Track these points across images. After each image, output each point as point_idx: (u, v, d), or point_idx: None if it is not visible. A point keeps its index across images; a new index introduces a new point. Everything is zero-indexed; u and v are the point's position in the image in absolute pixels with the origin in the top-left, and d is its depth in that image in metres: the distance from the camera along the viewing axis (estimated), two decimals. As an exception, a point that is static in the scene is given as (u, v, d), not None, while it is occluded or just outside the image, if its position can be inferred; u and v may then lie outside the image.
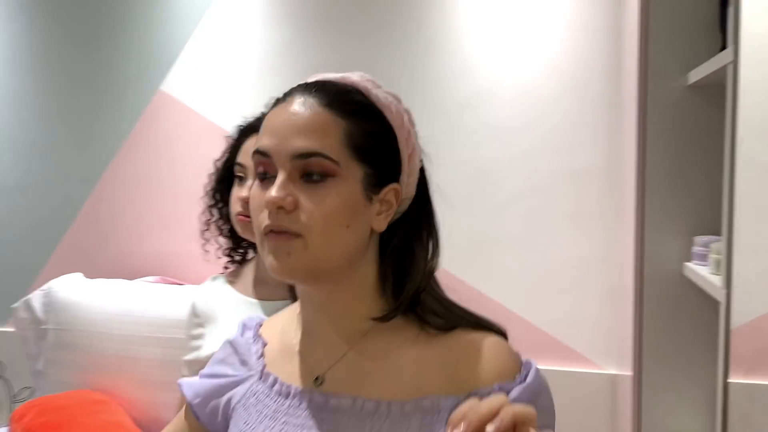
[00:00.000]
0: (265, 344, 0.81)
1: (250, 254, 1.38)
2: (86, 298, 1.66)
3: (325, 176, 0.68)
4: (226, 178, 1.32)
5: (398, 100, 0.77)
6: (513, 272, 1.75)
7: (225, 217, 1.34)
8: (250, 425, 0.75)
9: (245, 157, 1.22)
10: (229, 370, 0.82)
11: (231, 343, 0.85)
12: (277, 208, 0.67)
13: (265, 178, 0.70)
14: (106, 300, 1.64)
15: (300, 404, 0.73)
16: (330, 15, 1.82)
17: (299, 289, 0.77)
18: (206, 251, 1.40)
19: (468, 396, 0.66)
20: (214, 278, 1.38)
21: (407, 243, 0.75)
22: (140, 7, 1.94)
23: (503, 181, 1.75)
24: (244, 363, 0.81)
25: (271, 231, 0.68)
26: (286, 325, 0.82)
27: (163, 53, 1.93)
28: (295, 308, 0.82)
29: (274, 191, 0.66)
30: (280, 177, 0.68)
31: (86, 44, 1.99)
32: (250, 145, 1.22)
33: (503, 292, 1.74)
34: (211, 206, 1.37)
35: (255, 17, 1.87)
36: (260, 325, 0.85)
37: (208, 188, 1.37)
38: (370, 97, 0.73)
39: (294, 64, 1.83)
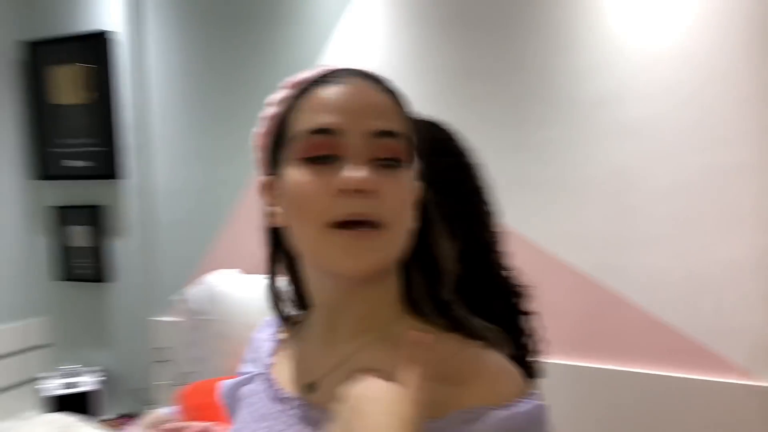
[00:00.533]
0: (279, 343, 0.77)
1: None
2: (243, 292, 1.80)
3: (398, 162, 0.62)
4: None
5: None
6: (654, 275, 1.68)
7: None
8: (242, 424, 0.73)
9: None
10: (249, 367, 0.80)
11: (252, 341, 0.83)
12: (356, 191, 0.59)
13: (325, 161, 0.61)
14: (261, 294, 1.76)
15: (288, 410, 0.68)
16: (460, 15, 1.85)
17: (321, 287, 0.68)
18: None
19: (448, 417, 0.57)
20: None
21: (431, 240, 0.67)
22: (281, 21, 2.08)
23: (640, 181, 1.69)
24: (258, 360, 0.78)
25: (348, 222, 0.59)
26: (302, 325, 0.76)
27: (302, 62, 2.06)
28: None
29: (356, 171, 0.58)
30: (356, 156, 0.60)
31: (234, 60, 2.16)
32: None
33: (643, 296, 1.68)
34: None
35: (386, 21, 1.94)
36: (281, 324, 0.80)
37: None
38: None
39: (424, 66, 1.88)
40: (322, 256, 0.62)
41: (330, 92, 0.63)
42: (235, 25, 2.16)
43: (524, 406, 0.58)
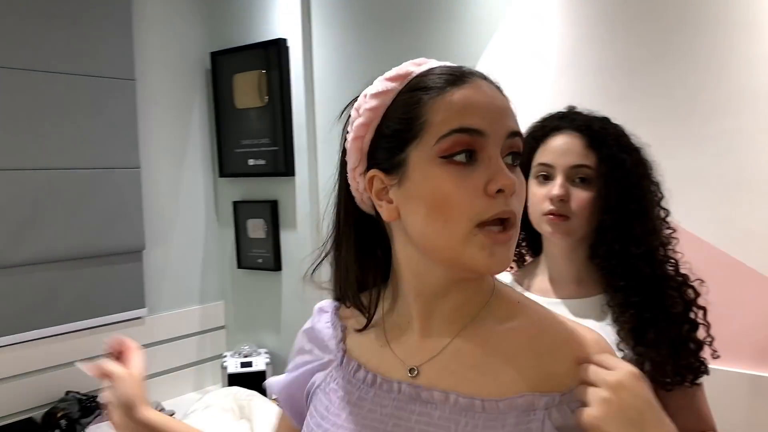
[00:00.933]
0: (344, 328, 0.80)
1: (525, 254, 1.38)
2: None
3: (519, 158, 0.69)
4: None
5: None
6: None
7: None
8: (331, 411, 0.74)
9: (549, 155, 1.21)
10: (307, 357, 0.82)
11: (306, 332, 0.84)
12: (560, 201, 0.72)
13: (466, 159, 0.64)
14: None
15: (389, 394, 0.71)
16: (626, 8, 1.75)
17: (428, 279, 0.70)
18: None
19: (563, 395, 0.65)
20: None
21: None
22: (442, 20, 2.10)
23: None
24: (323, 348, 0.80)
25: (494, 221, 0.64)
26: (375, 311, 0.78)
27: (464, 60, 2.07)
28: (375, 293, 0.78)
29: (509, 174, 0.64)
30: (499, 157, 0.65)
31: (395, 59, 2.22)
32: (554, 144, 1.21)
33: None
34: None
35: (550, 18, 1.89)
36: (338, 308, 0.82)
37: None
38: None
39: (589, 61, 1.81)
40: (465, 254, 0.64)
41: (471, 93, 0.66)
42: (396, 25, 2.22)
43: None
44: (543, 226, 1.21)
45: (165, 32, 2.56)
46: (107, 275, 2.34)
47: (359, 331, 0.77)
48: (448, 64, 0.71)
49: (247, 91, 2.58)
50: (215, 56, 2.65)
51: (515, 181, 0.64)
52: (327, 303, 0.84)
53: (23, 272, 2.11)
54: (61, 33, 2.20)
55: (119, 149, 2.37)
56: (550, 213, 1.18)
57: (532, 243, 1.37)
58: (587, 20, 1.82)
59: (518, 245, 1.33)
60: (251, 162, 2.59)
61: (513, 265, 1.36)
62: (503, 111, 0.67)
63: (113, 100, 2.35)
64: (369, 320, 0.77)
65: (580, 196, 1.17)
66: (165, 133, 2.57)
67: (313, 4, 2.43)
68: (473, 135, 0.64)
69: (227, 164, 2.68)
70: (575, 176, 1.18)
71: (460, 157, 0.64)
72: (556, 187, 1.17)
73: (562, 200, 1.17)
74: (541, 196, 1.20)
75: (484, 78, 0.70)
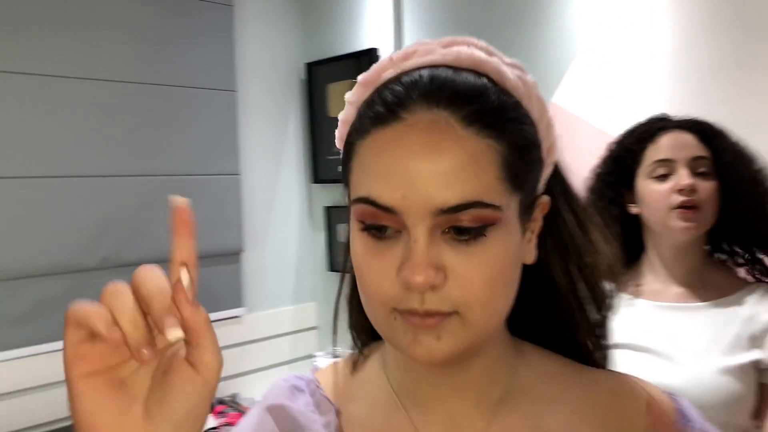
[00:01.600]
0: (338, 412, 0.59)
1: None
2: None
3: (482, 228, 0.48)
4: (617, 179, 1.29)
5: (523, 70, 0.54)
6: None
7: (619, 219, 1.29)
8: None
9: (666, 151, 1.21)
10: None
11: (275, 412, 0.58)
12: (691, 190, 0.61)
13: (381, 232, 0.49)
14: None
15: None
16: (723, 13, 1.68)
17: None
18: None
19: None
20: None
21: (552, 270, 0.58)
22: (534, 25, 2.10)
23: None
24: None
25: (681, 206, 0.59)
26: (366, 384, 0.61)
27: (553, 68, 2.05)
28: (374, 359, 0.63)
29: (417, 272, 0.46)
30: (420, 241, 0.47)
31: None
32: (668, 140, 1.22)
33: None
34: (603, 210, 1.30)
35: (645, 24, 1.85)
36: (317, 385, 0.62)
37: (599, 189, 1.32)
38: (505, 85, 0.51)
39: (690, 62, 1.75)
40: (392, 338, 0.52)
41: (390, 146, 0.49)
42: (487, 32, 2.22)
43: (689, 409, 0.60)
44: (671, 222, 1.20)
45: (263, 45, 2.69)
46: (208, 275, 2.47)
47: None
48: (414, 73, 0.52)
49: (340, 100, 2.63)
50: (310, 67, 2.76)
51: (428, 278, 0.46)
52: (296, 378, 0.63)
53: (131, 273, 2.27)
54: (169, 48, 2.36)
55: (221, 157, 2.51)
56: (681, 206, 1.18)
57: (630, 244, 1.33)
58: (688, 23, 1.76)
59: (620, 247, 1.30)
60: (339, 168, 2.66)
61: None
62: (433, 174, 0.46)
63: (216, 110, 2.49)
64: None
65: (706, 187, 1.18)
66: (263, 140, 2.70)
67: (405, 13, 2.48)
68: (381, 210, 0.48)
69: (320, 170, 2.77)
70: (696, 168, 1.20)
71: (373, 230, 0.50)
72: (683, 177, 1.18)
73: (693, 189, 1.17)
74: (664, 192, 1.20)
75: (431, 101, 0.48)
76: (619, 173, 1.30)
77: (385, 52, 2.50)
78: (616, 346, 1.03)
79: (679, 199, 1.17)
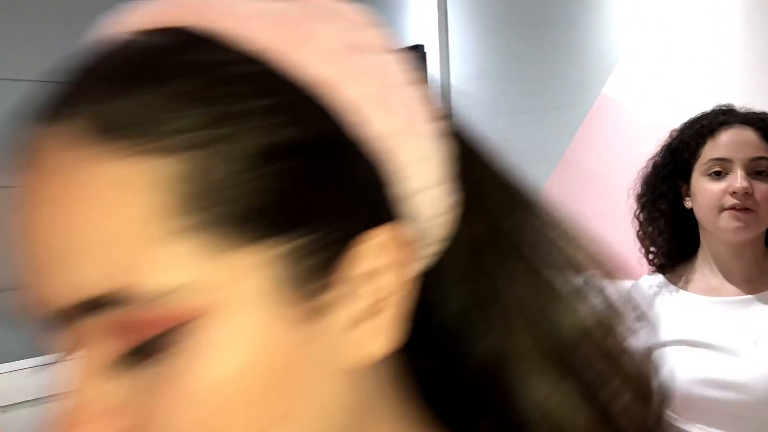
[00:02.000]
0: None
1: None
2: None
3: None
4: (672, 171, 1.27)
5: None
6: None
7: (667, 214, 1.27)
8: None
9: (724, 149, 1.18)
10: None
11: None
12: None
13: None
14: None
15: None
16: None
17: None
18: (646, 250, 1.32)
19: None
20: (650, 276, 1.32)
21: None
22: (581, 18, 2.06)
23: None
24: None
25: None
26: None
27: (605, 58, 2.01)
28: None
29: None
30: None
31: (536, 56, 2.21)
32: (728, 138, 1.18)
33: None
34: (653, 203, 1.29)
35: (692, 13, 1.79)
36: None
37: (653, 181, 1.30)
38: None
39: (740, 54, 1.69)
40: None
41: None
42: (531, 29, 2.20)
43: None
44: (722, 223, 1.17)
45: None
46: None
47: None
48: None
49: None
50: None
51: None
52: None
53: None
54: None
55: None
56: (733, 207, 1.15)
57: (683, 241, 1.30)
58: (754, 3, 1.70)
59: (670, 241, 1.28)
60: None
61: (665, 262, 1.30)
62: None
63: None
64: None
65: (763, 188, 1.15)
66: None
67: (450, 10, 2.47)
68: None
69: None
70: (754, 169, 1.16)
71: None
72: (738, 180, 1.15)
73: (747, 193, 1.14)
74: (718, 192, 1.17)
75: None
76: (675, 166, 1.26)
77: (431, 49, 2.49)
78: (668, 343, 0.98)
79: (731, 201, 1.14)
